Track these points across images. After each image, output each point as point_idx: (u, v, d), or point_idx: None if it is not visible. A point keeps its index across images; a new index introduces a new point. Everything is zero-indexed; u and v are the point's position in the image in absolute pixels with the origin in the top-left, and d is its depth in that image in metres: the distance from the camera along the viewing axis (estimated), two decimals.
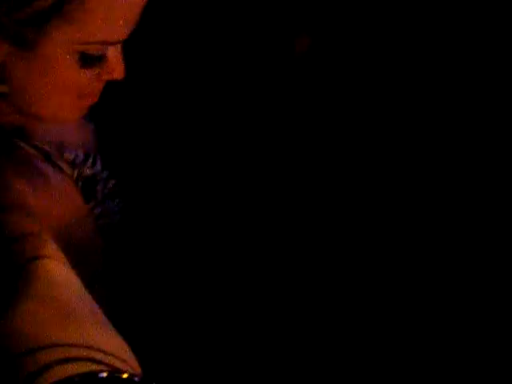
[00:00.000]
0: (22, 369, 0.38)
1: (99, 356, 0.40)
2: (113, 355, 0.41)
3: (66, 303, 0.45)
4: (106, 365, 0.39)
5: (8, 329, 0.42)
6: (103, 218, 0.74)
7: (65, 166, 0.71)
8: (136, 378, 0.37)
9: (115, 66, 0.61)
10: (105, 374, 0.37)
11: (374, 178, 0.85)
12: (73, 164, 0.72)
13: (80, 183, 0.72)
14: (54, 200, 0.66)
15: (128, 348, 0.43)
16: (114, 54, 0.61)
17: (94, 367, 0.39)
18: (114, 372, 0.38)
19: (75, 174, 0.72)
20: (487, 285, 0.81)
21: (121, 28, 0.57)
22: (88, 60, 0.58)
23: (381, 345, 0.78)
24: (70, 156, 0.72)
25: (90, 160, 0.74)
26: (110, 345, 0.42)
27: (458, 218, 0.83)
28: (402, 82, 0.88)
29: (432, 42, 0.88)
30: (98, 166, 0.75)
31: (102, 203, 0.74)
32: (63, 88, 0.60)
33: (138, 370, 0.42)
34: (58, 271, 0.49)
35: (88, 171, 0.73)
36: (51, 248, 0.52)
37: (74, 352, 0.39)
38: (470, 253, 0.82)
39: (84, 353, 0.40)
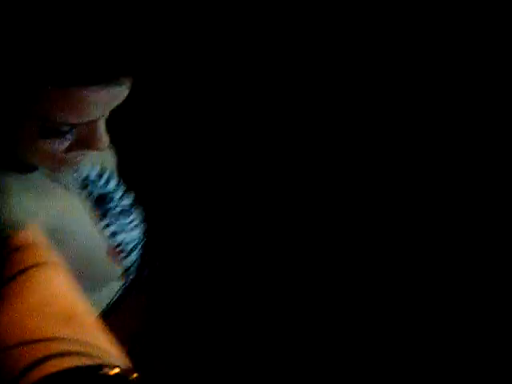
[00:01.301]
0: (20, 358, 0.40)
1: (94, 351, 0.42)
2: (106, 351, 0.42)
3: (63, 303, 0.48)
4: (100, 359, 0.41)
5: (10, 320, 0.44)
6: (119, 235, 0.74)
7: (72, 185, 0.70)
8: (123, 372, 0.39)
9: (90, 140, 0.58)
10: (113, 372, 0.38)
11: (375, 179, 0.83)
12: (82, 183, 0.72)
13: (90, 202, 0.72)
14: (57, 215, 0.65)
15: (117, 346, 0.45)
16: (87, 129, 0.57)
17: (89, 361, 0.40)
18: (107, 367, 0.39)
19: (84, 193, 0.71)
20: (487, 285, 0.79)
21: (87, 113, 0.55)
22: (48, 133, 0.56)
23: (381, 345, 0.78)
24: (79, 175, 0.72)
25: (104, 179, 0.74)
26: (103, 342, 0.44)
27: (457, 218, 0.82)
28: (403, 83, 0.86)
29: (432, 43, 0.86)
30: (112, 185, 0.75)
31: (116, 221, 0.74)
32: (38, 152, 0.59)
33: (127, 365, 0.43)
34: (58, 277, 0.51)
35: (99, 190, 0.73)
36: (52, 256, 0.54)
37: (71, 346, 0.41)
38: (470, 253, 0.80)
39: (80, 348, 0.42)
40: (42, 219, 0.59)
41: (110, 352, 0.43)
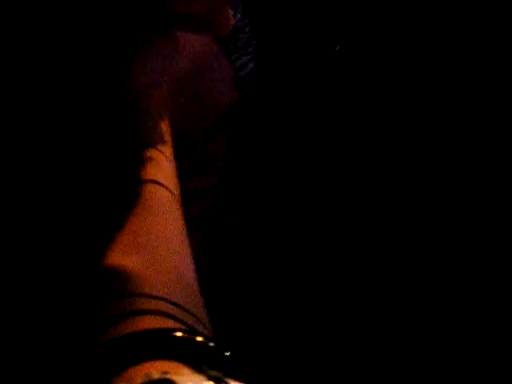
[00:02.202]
0: (103, 312, 0.39)
1: (178, 313, 0.38)
2: (193, 315, 0.39)
3: (158, 248, 0.45)
4: (183, 323, 0.38)
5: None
6: (246, 67, 0.73)
7: None
8: (211, 343, 0.35)
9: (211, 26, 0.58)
10: (179, 334, 0.35)
11: (375, 180, 0.80)
12: None
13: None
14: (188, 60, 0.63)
15: (206, 310, 0.42)
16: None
17: (169, 324, 0.37)
18: (189, 332, 0.36)
19: None
20: (487, 285, 0.76)
21: None
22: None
23: (381, 345, 0.76)
24: None
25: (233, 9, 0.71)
26: (192, 303, 0.41)
27: (457, 218, 0.78)
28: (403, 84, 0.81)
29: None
30: (239, 15, 0.72)
31: (243, 52, 0.73)
32: None
33: (212, 334, 0.40)
34: (166, 205, 0.48)
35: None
36: (168, 174, 0.50)
37: (153, 305, 0.38)
38: (470, 253, 0.77)
39: (163, 307, 0.38)
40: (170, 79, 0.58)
41: (195, 315, 0.39)
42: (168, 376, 0.30)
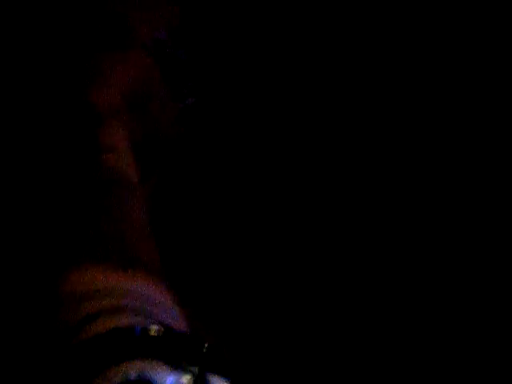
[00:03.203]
0: (76, 311, 0.38)
1: (151, 308, 0.38)
2: (164, 309, 0.39)
3: (130, 244, 0.44)
4: (156, 319, 0.37)
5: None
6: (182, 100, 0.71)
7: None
8: (189, 339, 0.35)
9: None
10: (154, 332, 0.34)
11: (375, 179, 0.80)
12: (156, 43, 0.69)
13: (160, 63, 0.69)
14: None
15: (178, 304, 0.41)
16: None
17: (142, 321, 0.36)
18: (165, 329, 0.35)
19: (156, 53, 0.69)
20: (487, 285, 0.77)
21: None
22: None
23: (381, 345, 0.76)
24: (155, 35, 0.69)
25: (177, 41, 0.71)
26: (163, 298, 0.40)
27: (458, 218, 0.79)
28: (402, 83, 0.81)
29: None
30: (182, 51, 0.72)
31: (184, 86, 0.71)
32: None
33: (185, 328, 0.40)
34: (131, 202, 0.47)
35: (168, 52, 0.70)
36: (131, 169, 0.51)
37: (125, 301, 0.37)
38: (470, 253, 0.78)
39: (135, 303, 0.38)
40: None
41: (166, 309, 0.39)
42: (145, 374, 0.30)
